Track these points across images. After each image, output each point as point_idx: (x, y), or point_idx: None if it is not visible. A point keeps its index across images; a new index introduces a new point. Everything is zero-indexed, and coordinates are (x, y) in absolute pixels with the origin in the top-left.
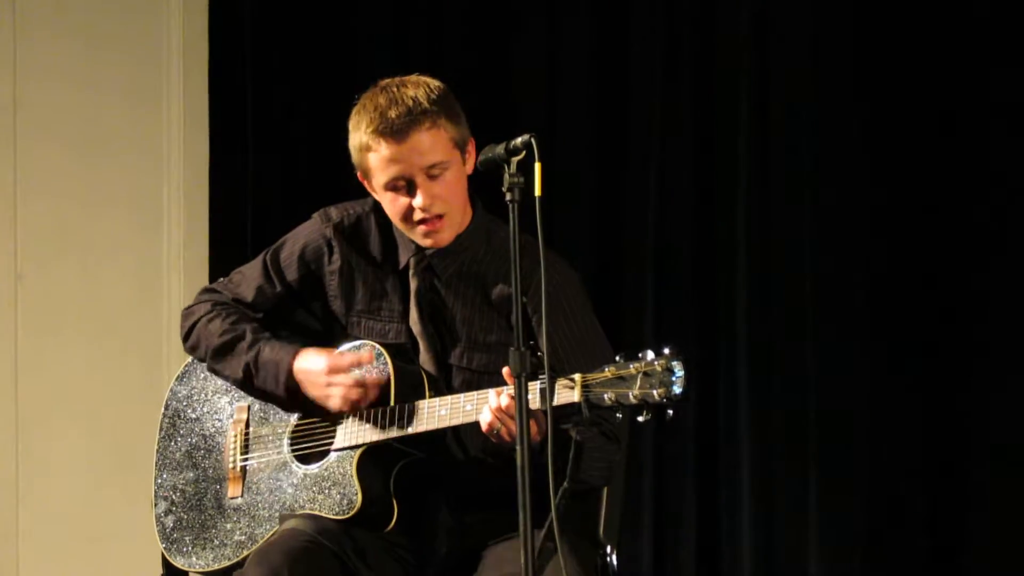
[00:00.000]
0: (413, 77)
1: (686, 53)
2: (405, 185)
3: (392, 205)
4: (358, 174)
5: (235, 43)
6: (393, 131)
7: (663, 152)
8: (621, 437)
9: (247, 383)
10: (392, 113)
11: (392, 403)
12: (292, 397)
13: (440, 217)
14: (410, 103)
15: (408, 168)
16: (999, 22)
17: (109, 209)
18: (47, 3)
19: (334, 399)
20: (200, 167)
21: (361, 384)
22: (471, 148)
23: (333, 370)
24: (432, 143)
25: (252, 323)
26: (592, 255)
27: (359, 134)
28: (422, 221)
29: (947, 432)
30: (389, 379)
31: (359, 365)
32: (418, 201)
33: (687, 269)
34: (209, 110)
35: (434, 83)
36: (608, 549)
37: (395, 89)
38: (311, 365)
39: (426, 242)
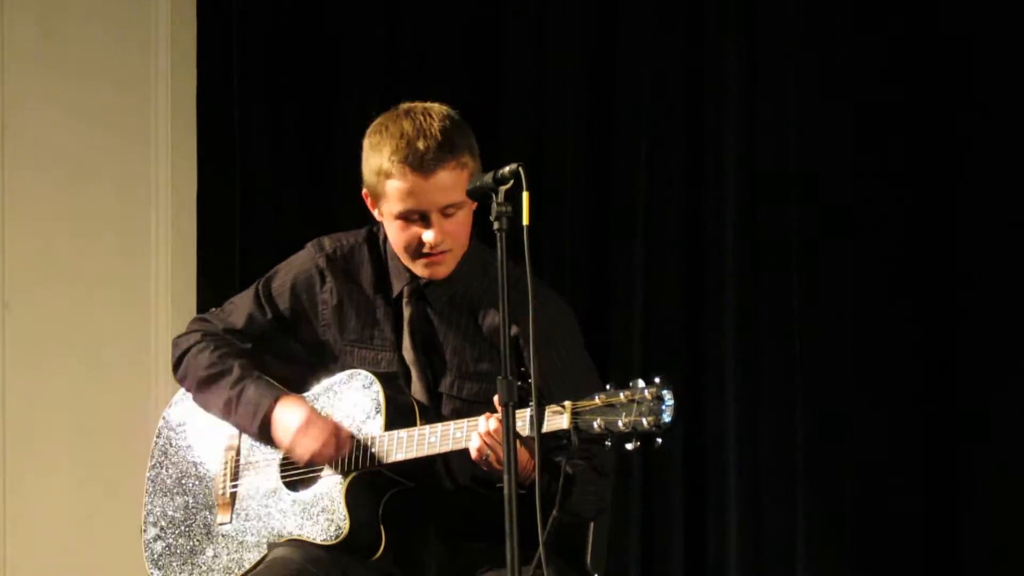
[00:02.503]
0: (436, 106)
1: (677, 70)
2: (419, 219)
3: (400, 234)
4: (364, 192)
5: (223, 69)
6: (421, 165)
7: (651, 176)
8: (610, 472)
9: (226, 416)
10: (420, 145)
11: (383, 431)
12: (263, 438)
13: (444, 253)
14: (439, 136)
15: (426, 204)
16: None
17: (97, 236)
18: (35, 30)
19: (298, 450)
20: (188, 194)
21: (321, 449)
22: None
23: (306, 426)
24: (454, 183)
25: (241, 359)
26: (579, 285)
27: (380, 158)
28: (426, 254)
29: (944, 457)
30: (380, 409)
31: (337, 431)
32: (429, 236)
33: (675, 298)
34: (197, 137)
35: (456, 115)
36: None
37: (421, 117)
38: (287, 414)
39: (424, 273)
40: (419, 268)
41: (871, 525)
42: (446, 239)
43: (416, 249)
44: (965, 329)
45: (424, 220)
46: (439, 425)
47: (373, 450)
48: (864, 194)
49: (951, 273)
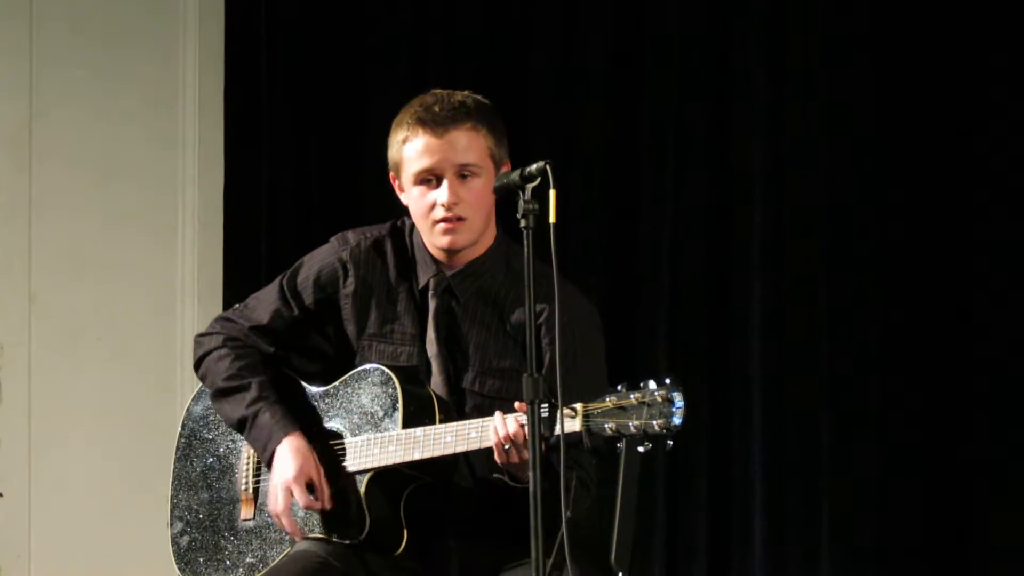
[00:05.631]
0: (462, 91)
1: (702, 75)
2: (435, 180)
3: (418, 200)
4: (391, 176)
5: (251, 63)
6: (434, 122)
7: (678, 179)
8: (592, 486)
9: (239, 431)
10: (436, 107)
11: (401, 428)
12: (268, 466)
13: (461, 219)
14: (456, 104)
15: (441, 162)
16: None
17: (124, 230)
18: (63, 24)
19: (271, 500)
20: (215, 188)
21: (278, 515)
22: (506, 171)
23: (296, 478)
24: (469, 144)
25: (260, 374)
26: (605, 286)
27: (400, 128)
28: (443, 220)
29: (958, 463)
30: (399, 406)
31: (318, 505)
32: (442, 197)
33: (701, 300)
34: (224, 132)
35: (482, 98)
36: None
37: (444, 93)
38: (287, 461)
39: (443, 243)
40: (438, 237)
41: (896, 528)
42: (461, 203)
43: (433, 214)
44: (995, 331)
45: (439, 183)
46: (454, 424)
47: (391, 448)
48: (888, 205)
49: (977, 280)
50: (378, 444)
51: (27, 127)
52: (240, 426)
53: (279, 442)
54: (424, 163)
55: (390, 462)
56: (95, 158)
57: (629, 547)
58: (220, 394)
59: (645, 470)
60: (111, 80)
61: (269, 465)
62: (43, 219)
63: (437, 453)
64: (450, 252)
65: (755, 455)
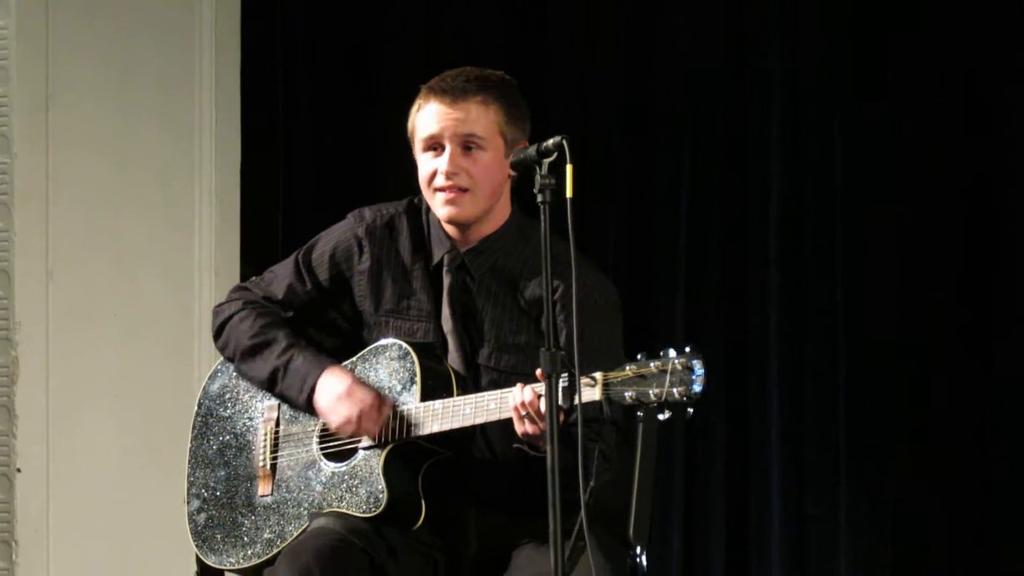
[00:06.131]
0: (498, 71)
1: (719, 65)
2: (440, 148)
3: (423, 167)
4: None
5: (267, 45)
6: (444, 91)
7: (694, 168)
8: (614, 459)
9: (271, 386)
10: (450, 79)
11: (419, 402)
12: (308, 408)
13: (463, 191)
14: (473, 76)
15: (445, 130)
16: None
17: (141, 208)
18: (79, 6)
19: (333, 417)
20: (232, 166)
21: (359, 417)
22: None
23: (348, 393)
24: (477, 116)
25: (285, 328)
26: (622, 265)
27: (418, 98)
28: (442, 189)
29: (978, 458)
30: (417, 379)
31: (378, 406)
32: (442, 165)
33: (718, 272)
34: (241, 110)
35: (511, 80)
36: (638, 550)
37: (469, 68)
38: (332, 383)
39: (444, 215)
40: (440, 207)
41: (914, 507)
42: (462, 174)
43: (434, 182)
44: (1016, 310)
45: (444, 151)
46: (472, 396)
47: (409, 422)
48: (909, 179)
49: (996, 260)
50: (397, 418)
51: (43, 104)
52: (272, 379)
53: (319, 375)
54: (430, 129)
55: (410, 435)
56: (112, 135)
57: (647, 520)
58: (247, 353)
59: (663, 442)
60: (128, 57)
61: (310, 406)
62: (60, 197)
63: (456, 425)
64: (460, 227)
65: (773, 430)
